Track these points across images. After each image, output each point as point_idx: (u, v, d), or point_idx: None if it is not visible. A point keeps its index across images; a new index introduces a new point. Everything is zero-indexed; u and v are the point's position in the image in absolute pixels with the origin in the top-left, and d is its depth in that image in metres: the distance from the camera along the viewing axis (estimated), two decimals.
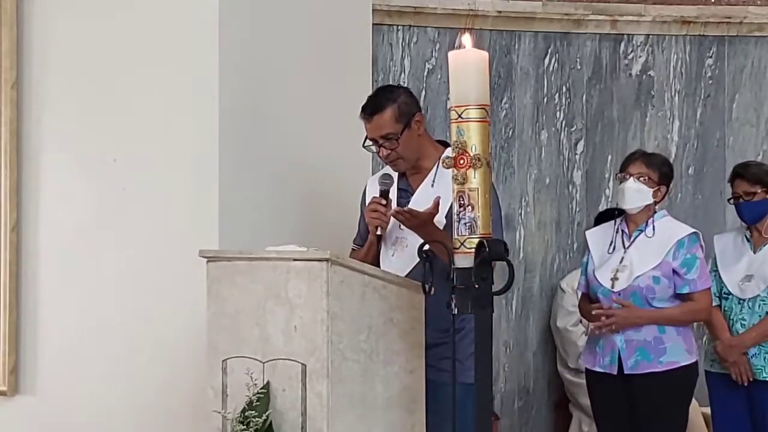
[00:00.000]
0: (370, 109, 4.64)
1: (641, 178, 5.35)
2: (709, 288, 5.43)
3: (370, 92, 5.34)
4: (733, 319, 5.72)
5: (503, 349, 6.77)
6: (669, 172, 5.47)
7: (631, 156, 5.49)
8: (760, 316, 5.66)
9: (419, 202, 4.63)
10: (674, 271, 5.31)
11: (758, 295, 5.68)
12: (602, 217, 6.37)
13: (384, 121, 4.61)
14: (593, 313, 5.36)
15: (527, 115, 6.85)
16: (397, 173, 4.72)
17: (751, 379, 5.67)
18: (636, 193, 5.35)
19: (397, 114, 4.61)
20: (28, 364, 5.23)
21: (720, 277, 5.76)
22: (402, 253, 4.58)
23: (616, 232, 5.46)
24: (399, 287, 4.24)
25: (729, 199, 5.83)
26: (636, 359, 5.30)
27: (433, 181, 4.64)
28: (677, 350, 5.32)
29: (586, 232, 5.71)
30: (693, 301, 5.33)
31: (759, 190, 5.69)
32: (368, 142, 4.67)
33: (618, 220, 5.49)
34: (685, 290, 5.31)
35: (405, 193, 4.70)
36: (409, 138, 4.64)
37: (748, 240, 5.79)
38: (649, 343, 5.29)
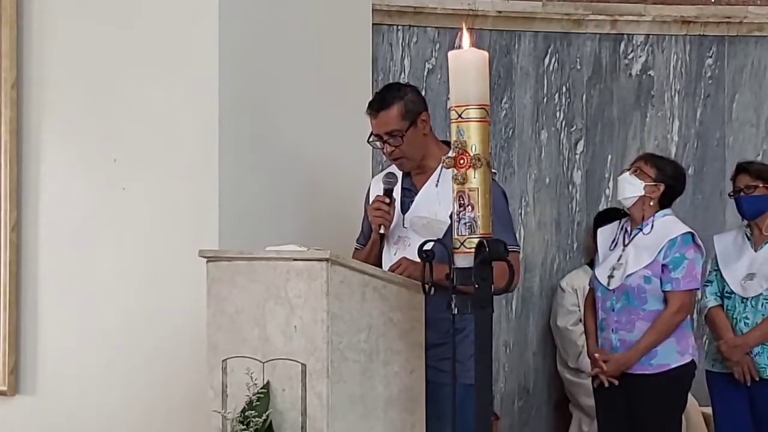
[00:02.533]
0: (377, 105, 4.64)
1: (636, 172, 5.39)
2: (692, 291, 5.41)
3: (370, 92, 5.34)
4: (736, 318, 5.72)
5: (503, 349, 6.77)
6: (673, 174, 5.47)
7: (638, 156, 5.62)
8: (763, 314, 5.65)
9: (422, 201, 4.63)
10: (663, 267, 5.32)
11: (761, 294, 5.67)
12: (601, 217, 6.37)
13: (390, 118, 4.61)
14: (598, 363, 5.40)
15: (527, 115, 6.85)
16: (401, 172, 4.72)
17: (757, 379, 5.66)
18: (627, 185, 5.41)
19: (403, 111, 4.61)
20: (28, 364, 5.23)
21: (722, 276, 5.76)
22: (404, 252, 4.57)
23: (620, 230, 5.50)
24: (399, 287, 4.24)
25: (729, 194, 5.83)
26: None
27: (437, 182, 4.63)
28: (668, 353, 5.32)
29: (598, 230, 5.74)
30: (669, 301, 5.32)
31: (760, 185, 5.70)
32: (373, 138, 4.67)
33: (623, 219, 5.53)
34: (668, 288, 5.32)
35: (409, 193, 4.70)
36: (413, 136, 4.64)
37: (748, 238, 5.79)
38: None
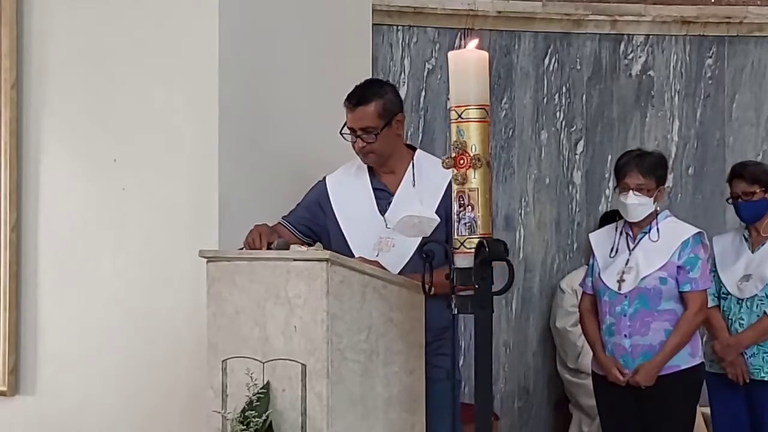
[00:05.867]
0: (356, 100, 4.64)
1: (641, 191, 5.34)
2: (707, 290, 5.43)
3: None
4: (731, 319, 5.72)
5: (503, 349, 6.77)
6: (664, 172, 5.47)
7: (625, 164, 5.41)
8: (758, 315, 5.66)
9: (403, 202, 4.61)
10: (678, 269, 5.31)
11: (756, 295, 5.68)
12: (607, 218, 6.35)
13: (367, 114, 4.61)
14: (618, 377, 5.35)
15: (527, 115, 6.85)
16: (362, 178, 4.72)
17: (748, 380, 5.67)
18: (639, 207, 5.35)
19: (381, 110, 4.62)
20: (28, 364, 5.23)
21: (719, 277, 5.76)
22: (388, 253, 4.55)
23: (620, 234, 5.46)
24: (399, 287, 4.24)
25: (728, 199, 5.82)
26: (639, 362, 5.30)
27: (414, 182, 4.64)
28: (680, 354, 5.32)
29: (590, 235, 5.70)
30: (689, 301, 5.32)
31: (757, 190, 5.68)
32: (346, 130, 4.67)
33: (620, 223, 5.48)
34: (687, 288, 5.31)
35: (383, 193, 4.68)
36: (387, 135, 4.64)
37: (746, 239, 5.79)
38: (654, 348, 5.30)
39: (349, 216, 4.70)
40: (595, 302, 5.48)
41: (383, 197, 4.68)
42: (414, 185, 4.63)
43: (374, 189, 4.70)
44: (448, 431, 4.08)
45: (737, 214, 5.78)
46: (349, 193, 4.73)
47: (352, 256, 4.49)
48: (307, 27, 5.32)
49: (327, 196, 4.76)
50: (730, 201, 5.77)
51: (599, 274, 5.43)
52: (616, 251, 5.43)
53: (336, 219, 4.71)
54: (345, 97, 4.65)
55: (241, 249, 4.46)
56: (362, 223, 4.66)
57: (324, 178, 4.83)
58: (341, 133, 4.68)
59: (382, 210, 4.66)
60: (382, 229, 4.61)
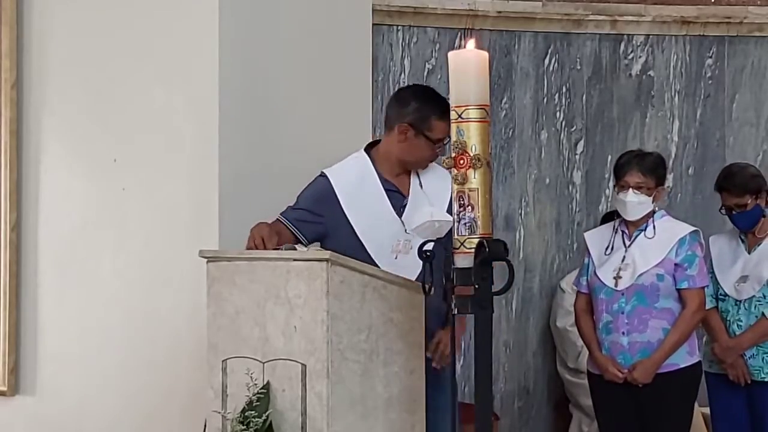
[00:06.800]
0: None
1: (640, 189, 5.34)
2: (705, 287, 5.42)
3: (370, 92, 5.37)
4: (729, 321, 5.72)
5: (503, 349, 6.77)
6: (664, 172, 5.48)
7: (626, 163, 5.40)
8: (756, 316, 5.66)
9: (417, 205, 4.62)
10: (676, 266, 5.32)
11: (753, 296, 5.67)
12: (608, 219, 6.35)
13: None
14: (616, 374, 5.33)
15: (527, 115, 6.85)
16: (372, 178, 4.69)
17: (749, 381, 5.67)
18: (638, 206, 5.34)
19: None
20: (28, 364, 5.23)
21: (716, 279, 5.75)
22: (407, 256, 4.55)
23: (615, 232, 5.46)
24: (399, 287, 4.24)
25: (720, 209, 5.77)
26: (637, 359, 5.30)
27: (420, 183, 4.68)
28: (679, 353, 5.32)
29: (585, 234, 5.70)
30: (687, 299, 5.32)
31: (749, 200, 5.64)
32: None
33: (617, 222, 5.48)
34: (684, 285, 5.31)
35: (395, 194, 4.67)
36: None
37: (742, 241, 5.78)
38: (652, 345, 5.30)
39: (364, 217, 4.64)
40: (590, 301, 5.48)
41: (395, 198, 4.67)
42: (421, 187, 4.65)
43: (387, 190, 4.68)
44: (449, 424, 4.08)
45: (733, 224, 5.76)
46: (362, 194, 4.67)
47: (369, 257, 4.48)
48: (307, 27, 5.32)
49: (332, 194, 4.67)
50: (724, 212, 5.74)
51: (595, 271, 5.44)
52: (612, 248, 5.43)
53: (347, 219, 4.64)
54: (436, 109, 4.60)
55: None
56: (379, 224, 4.63)
57: (323, 174, 4.73)
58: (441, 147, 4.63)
59: (397, 211, 4.66)
60: (400, 232, 4.62)
